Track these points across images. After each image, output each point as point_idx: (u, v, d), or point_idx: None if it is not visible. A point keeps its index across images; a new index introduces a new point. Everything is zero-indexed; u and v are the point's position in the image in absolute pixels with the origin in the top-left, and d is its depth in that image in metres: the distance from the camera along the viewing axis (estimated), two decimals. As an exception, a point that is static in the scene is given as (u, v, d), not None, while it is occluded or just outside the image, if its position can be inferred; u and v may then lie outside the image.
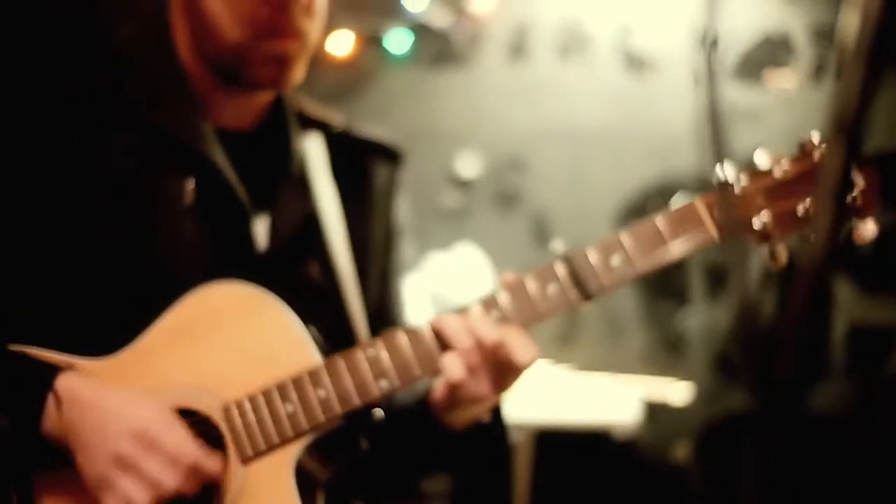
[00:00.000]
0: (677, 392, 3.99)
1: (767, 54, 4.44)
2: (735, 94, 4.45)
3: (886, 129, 4.46)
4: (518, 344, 1.60)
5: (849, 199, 1.58)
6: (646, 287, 4.42)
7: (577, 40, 4.55)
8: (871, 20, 0.56)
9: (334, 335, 1.72)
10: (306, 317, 1.67)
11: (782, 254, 1.59)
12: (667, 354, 4.45)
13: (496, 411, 1.76)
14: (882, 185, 1.63)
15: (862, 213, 1.60)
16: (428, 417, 1.71)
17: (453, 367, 1.60)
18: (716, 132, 0.57)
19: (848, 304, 4.37)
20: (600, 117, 4.49)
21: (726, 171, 1.59)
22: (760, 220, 1.61)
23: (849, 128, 0.52)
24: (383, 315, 1.88)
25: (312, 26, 1.75)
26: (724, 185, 1.59)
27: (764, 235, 1.61)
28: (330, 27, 4.39)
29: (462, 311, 1.63)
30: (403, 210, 1.95)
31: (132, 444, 1.55)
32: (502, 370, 1.62)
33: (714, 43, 0.60)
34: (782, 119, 4.38)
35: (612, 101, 4.47)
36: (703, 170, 4.32)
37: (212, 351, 1.66)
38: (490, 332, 1.59)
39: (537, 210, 4.52)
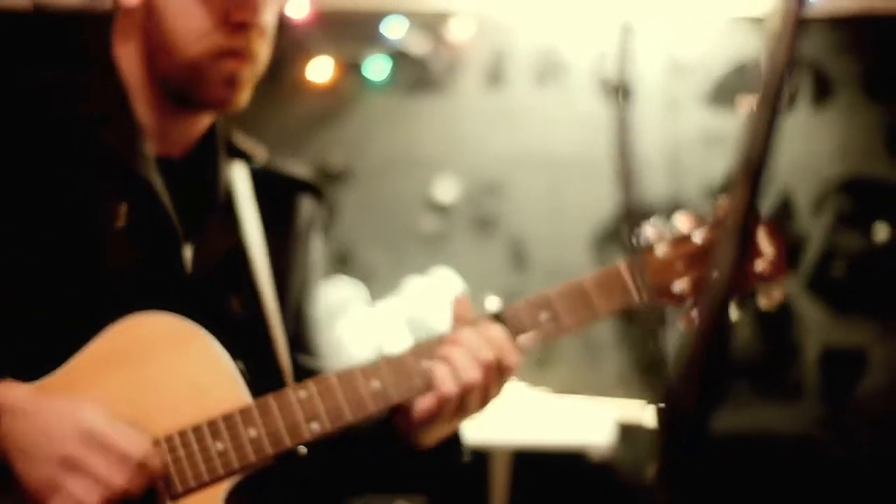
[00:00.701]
0: (652, 414, 4.04)
1: (740, 81, 4.51)
2: (708, 119, 4.52)
3: (859, 155, 4.52)
4: (509, 348, 1.69)
5: (758, 268, 1.73)
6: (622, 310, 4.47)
7: (553, 68, 4.61)
8: (777, 66, 0.61)
9: (259, 369, 1.72)
10: (232, 350, 1.67)
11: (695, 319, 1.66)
12: (642, 377, 4.50)
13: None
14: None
15: (770, 280, 1.74)
16: (392, 436, 1.75)
17: (446, 381, 1.66)
18: (629, 186, 0.62)
19: (820, 327, 4.43)
20: (576, 144, 4.54)
21: (649, 236, 1.71)
22: (680, 285, 1.74)
23: (754, 169, 0.58)
24: (299, 347, 1.89)
25: (264, 49, 1.78)
26: (646, 251, 1.74)
27: (680, 299, 1.75)
28: (310, 54, 4.47)
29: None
30: (320, 247, 1.97)
31: (78, 444, 1.53)
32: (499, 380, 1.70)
33: (626, 94, 0.65)
34: (755, 145, 4.44)
35: (588, 128, 4.52)
36: (675, 196, 4.37)
37: (141, 382, 1.64)
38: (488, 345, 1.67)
39: (514, 235, 4.56)
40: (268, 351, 1.81)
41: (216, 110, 1.81)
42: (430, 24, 4.50)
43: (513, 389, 3.79)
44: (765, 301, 1.75)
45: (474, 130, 4.57)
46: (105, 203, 1.71)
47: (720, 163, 4.46)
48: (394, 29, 4.52)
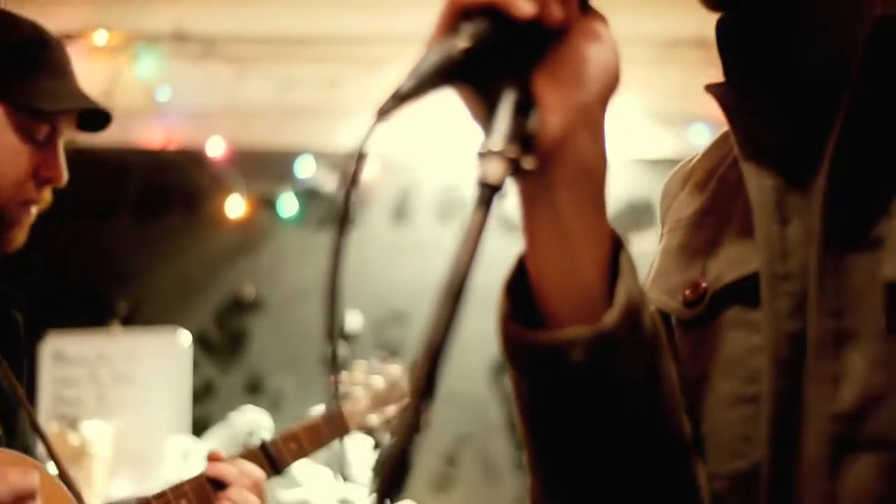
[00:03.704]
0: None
1: (631, 219, 4.72)
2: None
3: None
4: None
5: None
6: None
7: (455, 204, 4.83)
8: (461, 265, 0.81)
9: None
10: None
11: (383, 439, 2.40)
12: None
13: None
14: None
15: None
16: None
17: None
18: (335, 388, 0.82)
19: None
20: (477, 275, 4.70)
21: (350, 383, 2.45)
22: (371, 420, 2.40)
23: (434, 352, 0.77)
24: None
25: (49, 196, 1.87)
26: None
27: (372, 431, 2.41)
28: (226, 190, 4.66)
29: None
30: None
31: None
32: None
33: (340, 339, 0.85)
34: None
35: (487, 260, 4.64)
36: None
37: None
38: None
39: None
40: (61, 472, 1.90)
41: None
42: (339, 163, 4.71)
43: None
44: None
45: (380, 263, 4.75)
46: None
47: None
48: (305, 168, 4.76)
